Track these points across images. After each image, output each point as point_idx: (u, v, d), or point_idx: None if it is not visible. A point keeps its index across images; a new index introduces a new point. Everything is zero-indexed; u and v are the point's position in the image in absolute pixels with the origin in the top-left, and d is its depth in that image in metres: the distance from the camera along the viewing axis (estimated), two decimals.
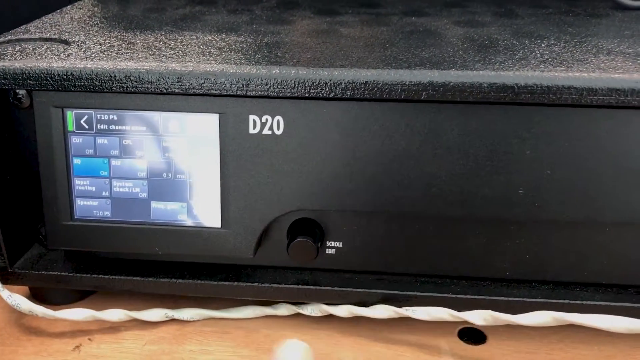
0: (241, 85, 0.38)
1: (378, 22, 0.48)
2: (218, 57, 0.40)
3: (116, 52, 0.41)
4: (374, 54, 0.40)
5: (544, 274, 0.43)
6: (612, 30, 0.46)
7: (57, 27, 0.47)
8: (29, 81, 0.39)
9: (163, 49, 0.42)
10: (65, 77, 0.39)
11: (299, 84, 0.37)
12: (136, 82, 0.38)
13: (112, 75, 0.38)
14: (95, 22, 0.49)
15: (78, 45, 0.43)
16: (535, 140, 0.38)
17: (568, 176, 0.39)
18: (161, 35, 0.45)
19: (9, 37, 0.44)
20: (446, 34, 0.44)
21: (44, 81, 0.39)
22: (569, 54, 0.40)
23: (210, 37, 0.44)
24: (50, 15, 0.51)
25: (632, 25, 0.48)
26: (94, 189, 0.42)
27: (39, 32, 0.46)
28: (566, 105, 0.37)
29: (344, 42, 0.43)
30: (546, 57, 0.39)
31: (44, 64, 0.39)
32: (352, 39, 0.44)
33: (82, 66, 0.38)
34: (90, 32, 0.46)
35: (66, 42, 0.43)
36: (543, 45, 0.42)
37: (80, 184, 0.42)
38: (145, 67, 0.38)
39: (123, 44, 0.43)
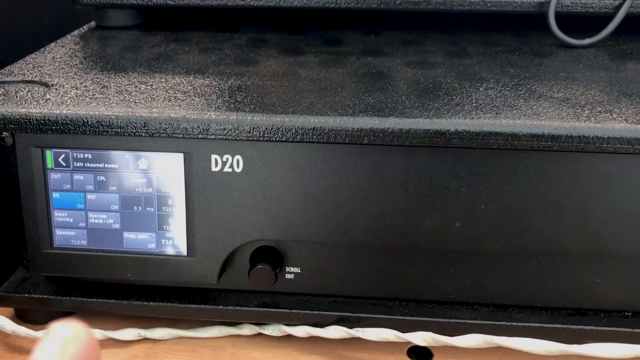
0: (202, 130, 0.42)
1: (336, 62, 0.52)
2: (182, 102, 0.44)
3: (90, 96, 0.45)
4: (325, 98, 0.44)
5: (483, 297, 0.47)
6: (549, 72, 0.50)
7: (39, 68, 0.51)
8: (10, 125, 0.43)
9: (133, 93, 0.46)
10: (42, 121, 0.43)
11: (254, 129, 0.41)
12: (106, 126, 0.42)
13: (85, 121, 0.42)
14: (74, 63, 0.53)
15: (56, 88, 0.46)
16: (469, 179, 0.42)
17: (499, 211, 0.43)
18: (133, 77, 0.49)
19: None
20: (395, 77, 0.48)
21: (24, 125, 0.43)
22: (502, 99, 0.44)
23: (178, 80, 0.48)
24: (33, 55, 0.55)
25: (570, 65, 0.51)
26: (71, 220, 0.46)
27: (21, 75, 0.50)
28: (494, 148, 0.41)
29: (301, 85, 0.47)
30: (480, 102, 0.43)
31: (24, 109, 0.43)
32: (309, 82, 0.48)
33: (58, 112, 0.42)
34: (69, 73, 0.50)
35: (46, 85, 0.47)
36: (481, 89, 0.46)
37: (59, 215, 0.46)
38: (115, 114, 0.42)
39: (97, 88, 0.46)
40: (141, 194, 0.45)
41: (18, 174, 0.45)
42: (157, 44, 0.58)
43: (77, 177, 0.45)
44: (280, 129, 0.41)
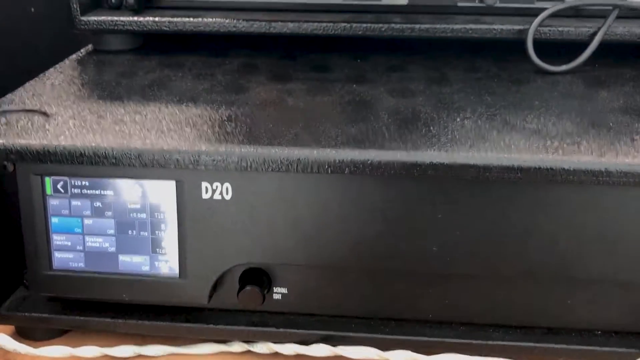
0: (192, 161, 0.44)
1: (322, 90, 0.55)
2: (174, 133, 0.46)
3: (87, 127, 0.47)
4: (310, 129, 0.47)
5: (460, 316, 0.49)
6: (525, 100, 0.52)
7: (39, 97, 0.53)
8: (12, 155, 0.45)
9: (128, 123, 0.48)
10: (42, 152, 0.45)
11: (241, 160, 0.44)
12: (102, 157, 0.45)
13: (82, 152, 0.45)
14: (72, 91, 0.55)
15: (55, 118, 0.49)
16: (445, 206, 0.45)
17: (474, 236, 0.45)
18: (128, 106, 0.51)
19: None
20: (377, 106, 0.51)
21: (25, 155, 0.45)
22: (477, 131, 0.46)
23: (171, 109, 0.50)
24: (33, 82, 0.57)
25: (545, 93, 0.54)
26: (69, 243, 0.49)
27: (22, 103, 0.52)
28: (467, 179, 0.43)
29: (288, 115, 0.49)
30: (456, 133, 0.46)
31: (25, 141, 0.45)
32: (295, 111, 0.50)
33: (56, 144, 0.45)
34: (67, 102, 0.52)
35: (46, 115, 0.50)
36: (457, 120, 0.48)
37: (57, 239, 0.49)
38: (110, 146, 0.45)
39: (94, 118, 0.49)
40: (136, 219, 0.48)
41: (19, 198, 0.48)
42: (151, 70, 0.61)
43: (75, 203, 0.48)
44: (267, 160, 0.44)
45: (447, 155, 0.43)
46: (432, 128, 0.47)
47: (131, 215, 0.48)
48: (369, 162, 0.43)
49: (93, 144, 0.45)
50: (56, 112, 0.50)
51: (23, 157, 0.45)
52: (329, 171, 0.44)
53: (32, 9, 1.08)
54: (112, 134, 0.46)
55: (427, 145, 0.44)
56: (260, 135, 0.46)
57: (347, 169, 0.43)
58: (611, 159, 0.42)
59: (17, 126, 0.48)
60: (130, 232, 0.48)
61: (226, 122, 0.48)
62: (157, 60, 0.63)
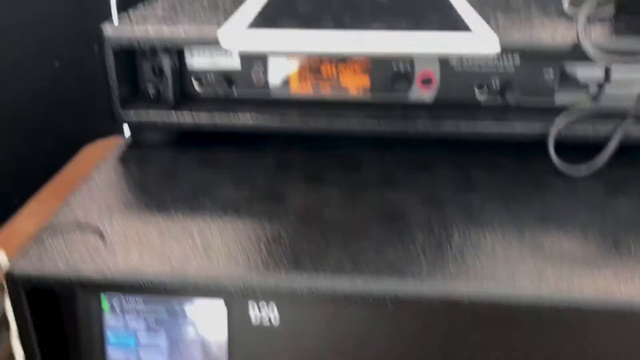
0: (242, 287, 0.48)
1: (356, 198, 0.58)
2: (223, 256, 0.50)
3: (143, 250, 0.51)
4: (349, 250, 0.50)
5: None
6: (547, 214, 0.55)
7: (89, 209, 0.57)
8: (73, 283, 0.49)
9: (181, 241, 0.51)
10: (103, 281, 0.48)
11: (287, 289, 0.47)
12: (159, 286, 0.48)
13: (141, 283, 0.48)
14: (120, 199, 0.58)
15: (110, 238, 0.52)
16: (478, 334, 0.48)
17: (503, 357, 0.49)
18: (177, 220, 0.54)
19: (50, 226, 0.54)
20: (410, 220, 0.54)
21: (85, 285, 0.49)
22: (504, 257, 0.49)
23: (217, 224, 0.54)
24: (81, 189, 0.60)
25: (565, 202, 0.57)
26: (124, 357, 0.52)
27: (74, 217, 0.55)
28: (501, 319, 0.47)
29: (327, 231, 0.53)
30: (488, 260, 0.49)
31: (86, 269, 0.49)
32: (333, 227, 0.53)
33: (116, 273, 0.48)
34: (117, 213, 0.56)
35: (101, 235, 0.53)
36: (488, 238, 0.51)
37: (113, 353, 0.52)
38: (167, 274, 0.48)
39: (146, 235, 0.52)
40: (187, 335, 0.51)
41: (76, 314, 0.51)
42: (191, 169, 0.64)
43: (130, 319, 0.51)
44: (312, 290, 0.47)
45: (482, 292, 0.46)
46: (464, 251, 0.50)
47: (183, 331, 0.51)
48: (411, 296, 0.47)
49: (150, 274, 0.48)
50: (109, 229, 0.54)
51: (84, 284, 0.49)
52: (371, 301, 0.47)
53: (57, 64, 1.12)
54: (167, 259, 0.49)
55: (462, 277, 0.47)
56: (305, 260, 0.49)
57: (388, 299, 0.47)
58: (634, 296, 0.45)
59: (76, 250, 0.51)
60: (182, 348, 0.51)
61: (271, 244, 0.51)
62: (196, 158, 0.67)
